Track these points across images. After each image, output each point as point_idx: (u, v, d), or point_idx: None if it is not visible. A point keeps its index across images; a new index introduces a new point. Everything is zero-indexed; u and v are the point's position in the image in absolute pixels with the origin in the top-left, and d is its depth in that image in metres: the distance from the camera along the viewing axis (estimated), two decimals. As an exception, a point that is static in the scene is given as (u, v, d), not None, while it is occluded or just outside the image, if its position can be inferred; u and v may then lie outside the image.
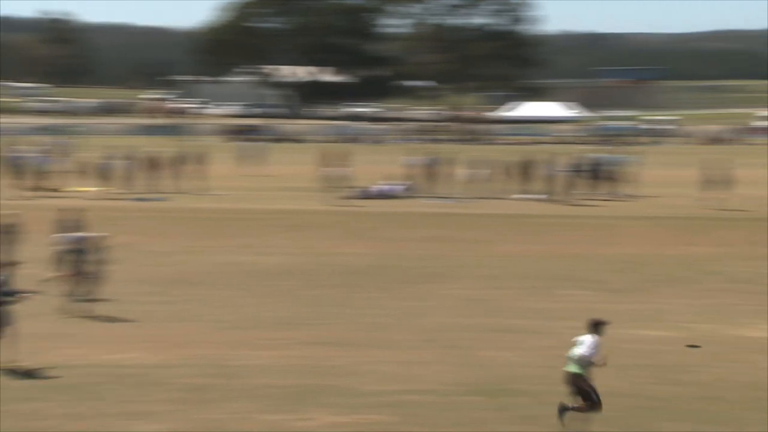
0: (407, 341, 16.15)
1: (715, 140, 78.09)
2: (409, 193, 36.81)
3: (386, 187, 37.10)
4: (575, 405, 11.65)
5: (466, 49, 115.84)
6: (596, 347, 11.52)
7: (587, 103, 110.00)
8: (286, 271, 22.20)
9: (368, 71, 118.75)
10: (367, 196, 36.23)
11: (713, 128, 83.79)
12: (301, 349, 15.47)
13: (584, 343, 11.59)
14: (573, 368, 11.61)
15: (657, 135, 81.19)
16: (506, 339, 16.33)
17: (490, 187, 37.22)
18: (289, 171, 46.34)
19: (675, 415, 12.65)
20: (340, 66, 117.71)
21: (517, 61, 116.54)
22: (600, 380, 13.95)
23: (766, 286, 20.85)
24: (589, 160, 38.04)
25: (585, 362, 11.53)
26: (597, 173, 37.50)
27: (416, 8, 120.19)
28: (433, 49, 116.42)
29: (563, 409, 11.77)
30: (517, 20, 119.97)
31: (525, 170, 37.49)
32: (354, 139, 75.15)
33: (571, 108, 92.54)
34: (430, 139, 74.25)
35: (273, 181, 41.68)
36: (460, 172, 38.09)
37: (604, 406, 12.62)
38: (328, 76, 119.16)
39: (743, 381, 13.97)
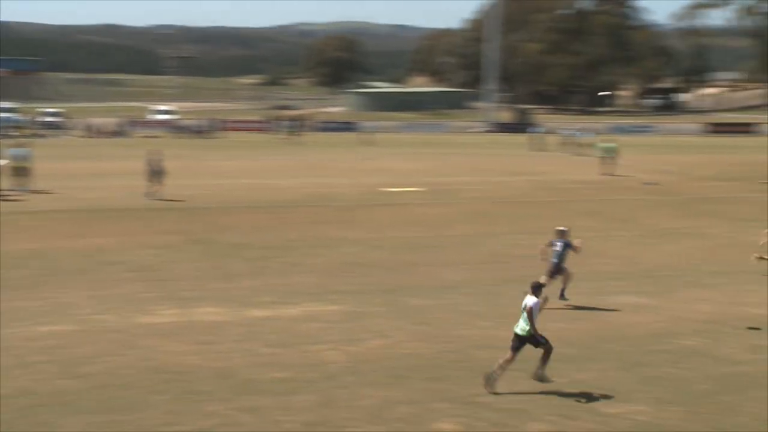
0: None
1: (111, 133, 78.73)
2: None
3: None
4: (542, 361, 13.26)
5: None
6: (538, 305, 13.22)
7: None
8: None
9: None
10: None
11: (105, 121, 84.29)
12: None
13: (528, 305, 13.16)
14: (522, 330, 13.13)
15: (48, 127, 79.64)
16: None
17: None
18: None
19: (79, 408, 12.45)
20: None
21: None
22: (5, 382, 13.23)
23: (165, 272, 21.48)
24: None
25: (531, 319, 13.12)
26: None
27: None
28: None
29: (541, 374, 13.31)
30: None
31: None
32: None
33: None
34: None
35: None
36: None
37: (7, 408, 12.05)
38: None
39: (149, 366, 14.17)
